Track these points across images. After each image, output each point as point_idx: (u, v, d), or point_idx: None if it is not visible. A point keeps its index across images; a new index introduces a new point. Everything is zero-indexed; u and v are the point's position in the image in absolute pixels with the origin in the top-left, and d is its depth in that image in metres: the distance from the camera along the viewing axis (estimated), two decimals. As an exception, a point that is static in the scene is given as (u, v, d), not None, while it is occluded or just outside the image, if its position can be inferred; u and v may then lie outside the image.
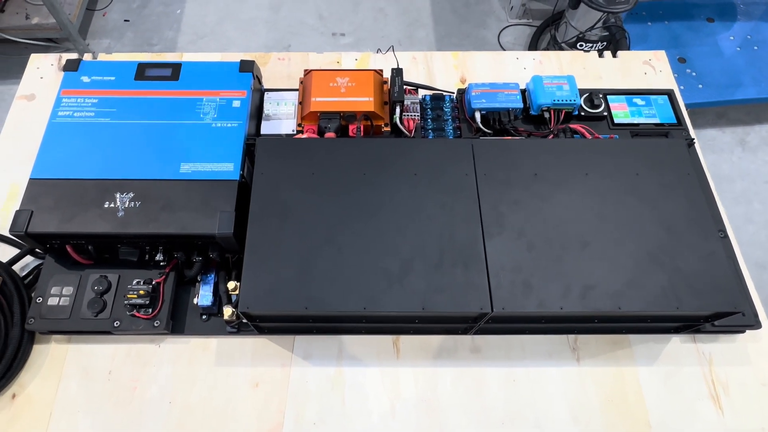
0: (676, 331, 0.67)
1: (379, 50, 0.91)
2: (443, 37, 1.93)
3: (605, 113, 0.79)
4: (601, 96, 0.80)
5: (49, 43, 1.88)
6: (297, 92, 0.79)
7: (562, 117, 0.77)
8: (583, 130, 0.77)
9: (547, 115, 0.77)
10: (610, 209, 0.61)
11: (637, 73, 0.89)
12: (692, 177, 0.63)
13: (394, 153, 0.64)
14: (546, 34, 1.79)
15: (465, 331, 0.66)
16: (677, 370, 0.66)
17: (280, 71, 0.90)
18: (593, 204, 0.61)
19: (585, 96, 0.79)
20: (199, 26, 1.99)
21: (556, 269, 0.57)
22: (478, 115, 0.77)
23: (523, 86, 0.81)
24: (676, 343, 0.68)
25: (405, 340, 0.68)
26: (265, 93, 0.81)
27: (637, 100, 0.81)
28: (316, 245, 0.58)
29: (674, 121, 0.79)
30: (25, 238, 0.62)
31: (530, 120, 0.80)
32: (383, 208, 0.60)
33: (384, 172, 0.63)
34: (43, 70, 0.90)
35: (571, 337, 0.68)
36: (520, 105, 0.77)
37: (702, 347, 0.68)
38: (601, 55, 0.91)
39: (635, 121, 0.79)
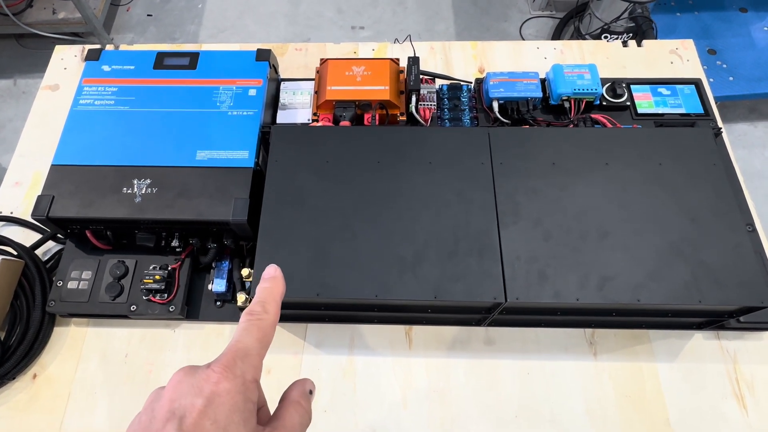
0: (699, 327, 0.64)
1: (396, 40, 0.91)
2: (463, 30, 1.91)
3: (628, 103, 0.77)
4: (624, 85, 0.77)
5: (75, 38, 1.92)
6: (313, 82, 0.79)
7: (582, 107, 0.75)
8: (605, 120, 0.75)
9: (567, 104, 0.75)
10: (631, 199, 0.59)
11: (663, 63, 0.87)
12: (719, 167, 0.60)
13: (410, 141, 0.63)
14: (569, 26, 1.75)
15: (479, 323, 0.65)
16: (699, 368, 0.64)
17: (297, 61, 0.90)
18: (613, 194, 0.60)
19: (607, 85, 0.77)
20: (220, 20, 2.01)
21: (574, 260, 0.56)
22: (495, 105, 0.75)
23: (543, 76, 0.79)
24: (699, 339, 0.66)
25: (418, 330, 0.67)
26: (282, 82, 0.81)
27: (662, 89, 0.78)
28: (329, 232, 0.58)
29: (701, 111, 0.76)
30: (47, 222, 0.64)
31: (550, 110, 0.78)
32: (397, 196, 0.60)
33: (399, 160, 0.62)
34: (67, 61, 0.91)
35: (588, 331, 0.67)
36: (540, 94, 0.75)
37: (726, 344, 0.65)
38: (625, 44, 0.89)
39: (660, 111, 0.77)
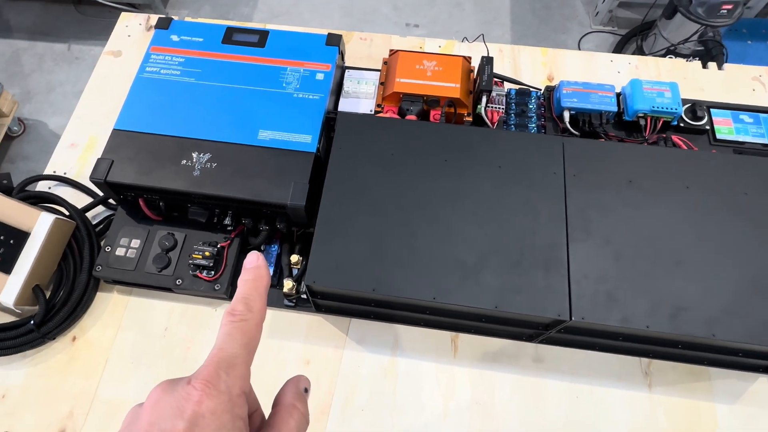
0: (766, 370, 0.60)
1: (465, 39, 0.88)
2: (520, 38, 1.87)
3: (707, 127, 0.73)
4: (704, 108, 0.73)
5: (131, 9, 1.95)
6: (378, 72, 0.77)
7: (659, 126, 0.72)
8: (680, 142, 0.71)
9: (642, 122, 0.72)
10: (712, 228, 0.56)
11: (744, 89, 0.82)
12: (810, 204, 0.56)
13: (480, 142, 0.61)
14: (631, 43, 1.70)
15: (530, 338, 0.62)
16: (761, 414, 0.60)
17: (361, 51, 0.88)
18: (692, 220, 0.56)
19: (687, 106, 0.73)
20: (275, 5, 2.02)
21: (645, 285, 0.53)
22: (567, 115, 0.72)
23: (618, 89, 0.75)
24: (763, 383, 0.62)
25: (464, 338, 0.65)
26: (346, 70, 0.79)
27: (744, 116, 0.74)
28: (389, 227, 0.56)
29: (785, 143, 0.72)
30: (104, 186, 0.63)
31: (623, 126, 0.74)
32: (463, 197, 0.57)
33: (467, 160, 0.60)
34: (132, 29, 0.92)
35: (645, 360, 0.63)
36: (615, 109, 0.72)
37: (794, 393, 0.61)
38: (705, 65, 0.85)
39: (740, 139, 0.72)
